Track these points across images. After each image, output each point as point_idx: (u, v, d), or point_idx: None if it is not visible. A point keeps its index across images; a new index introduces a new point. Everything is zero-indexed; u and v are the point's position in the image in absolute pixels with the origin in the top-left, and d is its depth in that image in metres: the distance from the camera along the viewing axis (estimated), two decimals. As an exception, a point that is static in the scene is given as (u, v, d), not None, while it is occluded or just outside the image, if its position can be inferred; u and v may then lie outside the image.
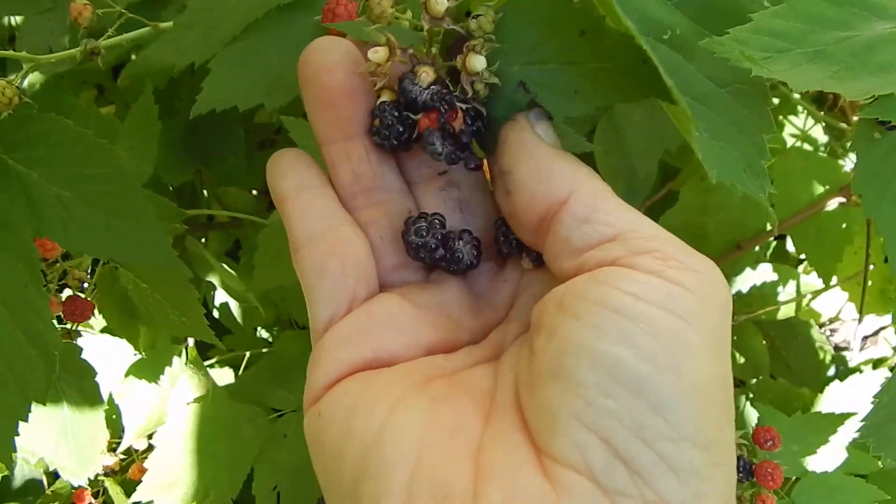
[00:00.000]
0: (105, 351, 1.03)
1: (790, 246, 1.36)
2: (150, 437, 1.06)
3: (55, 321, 0.74)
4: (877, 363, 1.38)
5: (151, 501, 0.94)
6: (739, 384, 1.28)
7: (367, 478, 0.32)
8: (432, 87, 0.38)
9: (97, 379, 0.87)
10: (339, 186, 0.41)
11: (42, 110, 0.55)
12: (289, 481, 0.97)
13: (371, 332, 0.38)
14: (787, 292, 1.33)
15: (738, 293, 1.30)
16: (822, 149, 1.18)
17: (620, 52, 0.37)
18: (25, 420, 0.53)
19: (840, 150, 1.10)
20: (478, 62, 0.38)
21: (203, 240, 1.29)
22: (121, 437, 1.07)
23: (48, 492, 1.13)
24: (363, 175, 0.41)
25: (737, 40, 0.42)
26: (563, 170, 0.36)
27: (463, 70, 0.38)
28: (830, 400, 1.04)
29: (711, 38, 0.41)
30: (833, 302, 1.45)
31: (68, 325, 0.76)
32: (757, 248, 1.30)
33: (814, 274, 1.14)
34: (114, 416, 1.08)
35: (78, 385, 0.77)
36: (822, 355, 1.31)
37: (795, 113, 1.24)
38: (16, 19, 0.98)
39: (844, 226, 1.06)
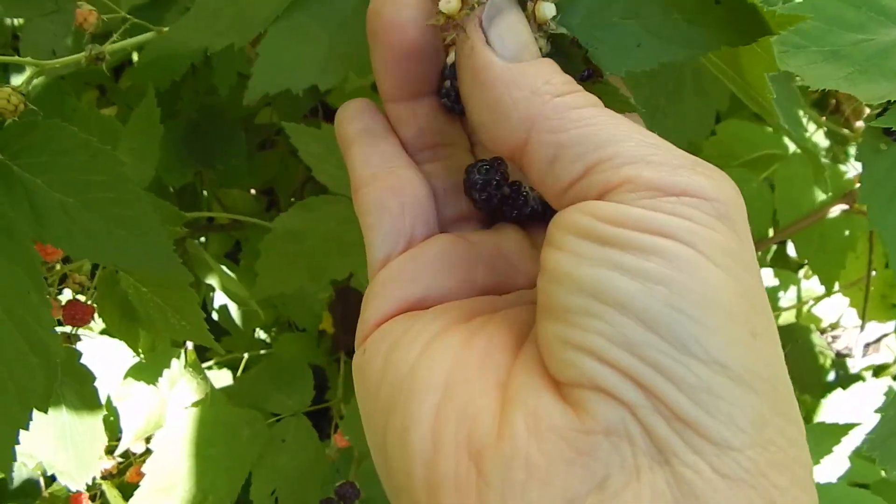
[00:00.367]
0: (104, 353, 1.03)
1: (791, 251, 1.36)
2: (147, 440, 1.06)
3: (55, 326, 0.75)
4: (878, 370, 1.38)
5: (149, 506, 0.94)
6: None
7: (397, 408, 0.32)
8: None
9: (96, 383, 0.87)
10: (404, 141, 0.41)
11: (45, 114, 0.54)
12: (287, 486, 0.96)
13: (424, 269, 0.37)
14: (787, 297, 1.33)
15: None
16: (824, 154, 1.18)
17: None
18: (26, 428, 0.53)
19: (842, 156, 1.10)
20: (548, 9, 0.36)
21: (203, 240, 1.29)
22: (118, 440, 1.07)
23: (45, 494, 1.12)
24: (428, 132, 0.40)
25: None
26: (517, 104, 0.33)
27: (532, 19, 0.37)
28: (832, 408, 1.04)
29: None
30: (834, 308, 1.45)
31: (68, 329, 0.76)
32: (758, 253, 1.30)
33: (814, 279, 1.15)
34: (112, 419, 1.08)
35: (77, 390, 0.77)
36: (822, 360, 1.31)
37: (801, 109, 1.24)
38: (18, 21, 0.98)
39: (847, 233, 1.05)
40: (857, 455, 0.90)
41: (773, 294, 1.32)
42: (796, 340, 1.30)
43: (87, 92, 1.18)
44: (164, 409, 1.06)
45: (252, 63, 0.51)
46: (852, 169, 1.06)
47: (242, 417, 0.99)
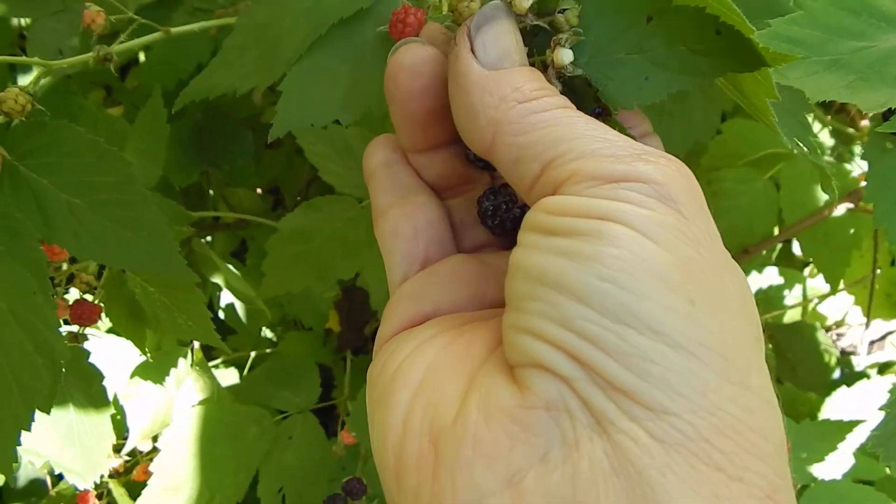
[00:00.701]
0: (111, 351, 1.03)
1: (796, 249, 1.36)
2: (154, 438, 1.06)
3: (62, 324, 0.75)
4: (883, 368, 1.38)
5: (157, 505, 0.94)
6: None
7: (380, 406, 0.34)
8: None
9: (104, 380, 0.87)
10: (427, 182, 0.42)
11: (53, 114, 0.55)
12: (294, 484, 0.97)
13: (436, 286, 0.39)
14: (792, 296, 1.33)
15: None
16: (830, 153, 1.18)
17: (691, 30, 0.37)
18: (28, 429, 0.53)
19: (847, 155, 1.10)
20: (566, 55, 0.38)
21: (209, 238, 1.30)
22: (125, 438, 1.07)
23: (52, 493, 1.13)
24: (448, 177, 0.42)
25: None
26: (484, 110, 0.35)
27: (551, 64, 0.38)
28: (837, 405, 1.04)
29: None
30: (839, 306, 1.45)
31: (75, 329, 0.76)
32: (763, 252, 1.30)
33: (820, 277, 1.14)
34: (118, 417, 1.08)
35: (85, 389, 0.77)
36: (827, 358, 1.31)
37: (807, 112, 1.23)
38: (25, 21, 0.98)
39: (852, 231, 1.06)
40: (861, 452, 0.90)
41: (777, 292, 1.32)
42: (801, 338, 1.30)
43: (93, 91, 1.18)
44: (170, 408, 1.07)
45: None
46: (857, 168, 1.06)
47: (249, 415, 0.99)
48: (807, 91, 0.43)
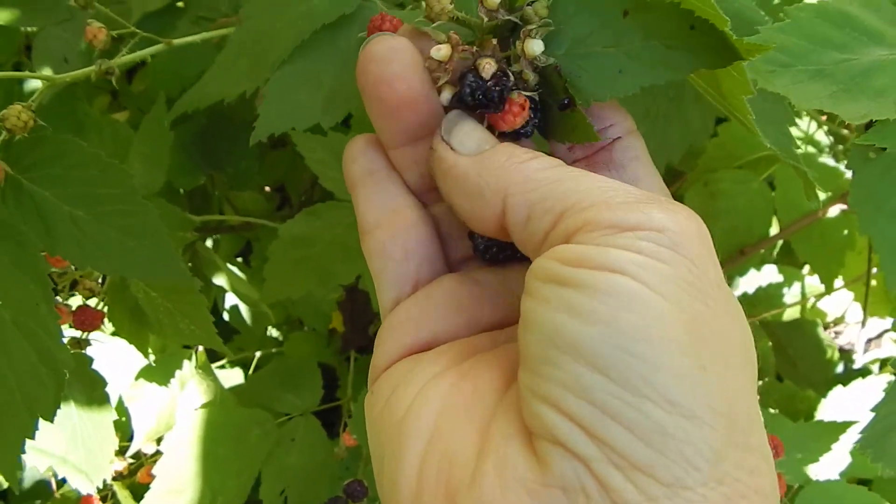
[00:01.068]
0: (115, 354, 1.04)
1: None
2: (158, 441, 1.07)
3: (67, 328, 0.76)
4: (882, 364, 1.38)
5: (160, 507, 0.95)
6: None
7: (389, 451, 0.34)
8: (498, 78, 0.38)
9: (107, 379, 0.88)
10: (409, 183, 0.42)
11: (57, 121, 0.56)
12: (297, 485, 0.98)
13: (431, 313, 0.39)
14: (792, 293, 1.33)
15: (744, 294, 1.30)
16: (827, 151, 1.18)
17: (665, 25, 0.37)
18: (32, 437, 0.54)
19: (841, 155, 1.11)
20: (536, 46, 0.38)
21: (215, 239, 1.31)
22: (130, 441, 1.08)
23: (56, 495, 1.13)
24: (430, 175, 0.41)
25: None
26: (487, 181, 0.35)
27: (522, 55, 0.39)
28: (834, 405, 1.04)
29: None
30: (838, 302, 1.46)
31: (79, 335, 0.77)
32: (761, 251, 1.30)
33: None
34: (123, 420, 1.09)
35: (88, 394, 0.78)
36: (829, 353, 1.31)
37: (799, 116, 1.25)
38: (32, 28, 0.99)
39: (846, 232, 1.06)
40: (857, 451, 0.91)
41: (777, 290, 1.32)
42: (802, 334, 1.31)
43: (98, 96, 1.19)
44: (174, 410, 1.08)
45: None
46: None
47: (252, 418, 1.00)
48: (792, 99, 0.43)
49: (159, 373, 1.06)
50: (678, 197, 1.09)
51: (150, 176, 0.86)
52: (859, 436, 0.60)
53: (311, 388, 1.05)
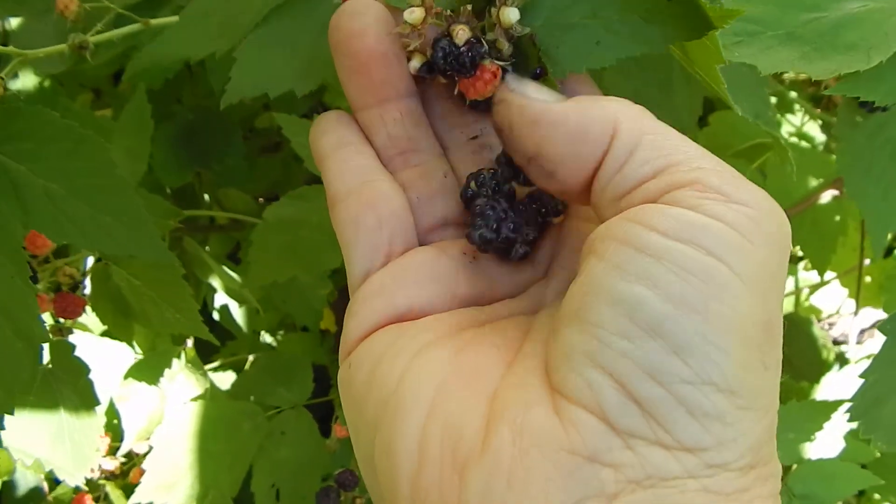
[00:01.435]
0: (105, 354, 1.03)
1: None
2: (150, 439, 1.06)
3: (49, 318, 0.75)
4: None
5: (151, 503, 0.94)
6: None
7: (383, 423, 0.32)
8: (471, 44, 0.38)
9: (97, 380, 0.87)
10: (376, 148, 0.41)
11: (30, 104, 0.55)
12: (288, 479, 0.97)
13: (405, 282, 0.38)
14: (786, 288, 1.33)
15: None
16: (821, 146, 1.18)
17: None
18: (10, 413, 0.53)
19: (834, 147, 1.11)
20: (512, 14, 0.38)
21: (206, 246, 1.30)
22: (122, 441, 1.07)
23: (49, 498, 1.13)
24: (398, 138, 0.41)
25: None
26: (595, 117, 0.33)
27: (497, 23, 0.38)
28: (828, 389, 1.04)
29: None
30: (833, 298, 1.45)
31: (60, 323, 0.76)
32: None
33: (814, 270, 1.15)
34: (115, 421, 1.08)
35: (72, 383, 0.77)
36: (825, 354, 1.30)
37: (793, 111, 1.25)
38: (11, 23, 0.98)
39: (838, 218, 1.06)
40: (851, 435, 0.90)
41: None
42: (798, 332, 1.30)
43: (82, 94, 1.19)
44: (165, 408, 1.07)
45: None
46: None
47: (242, 411, 0.99)
48: (759, 66, 0.43)
49: (148, 371, 1.05)
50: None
51: (131, 168, 0.86)
52: (848, 404, 0.58)
53: (302, 381, 1.04)
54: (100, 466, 1.05)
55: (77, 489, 1.03)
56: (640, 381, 0.28)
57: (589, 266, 0.31)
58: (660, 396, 0.28)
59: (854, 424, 0.59)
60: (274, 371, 1.07)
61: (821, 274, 1.10)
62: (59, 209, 0.55)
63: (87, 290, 0.81)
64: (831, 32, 0.45)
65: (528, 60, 0.40)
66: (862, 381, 0.57)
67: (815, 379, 1.14)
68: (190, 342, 1.11)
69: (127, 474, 1.12)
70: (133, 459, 1.12)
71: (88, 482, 1.03)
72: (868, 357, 1.37)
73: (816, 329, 1.31)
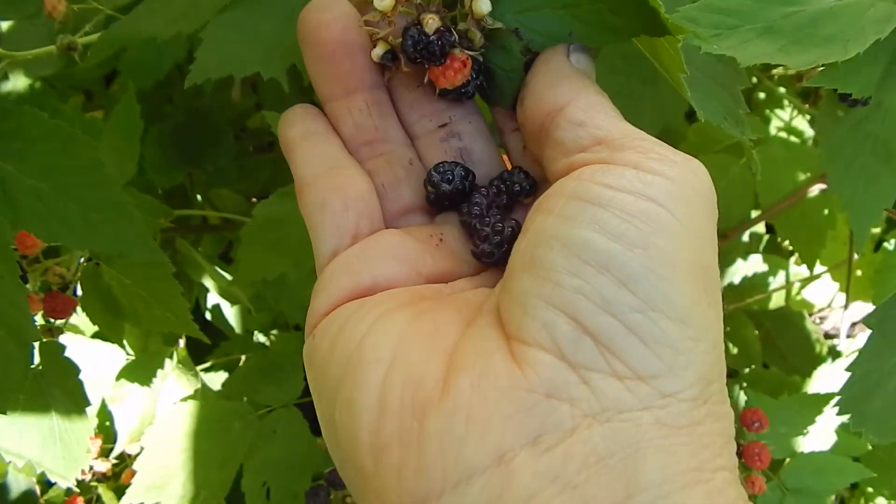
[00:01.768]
0: (97, 356, 1.03)
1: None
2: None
3: (40, 318, 0.75)
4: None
5: (142, 504, 0.94)
6: (732, 374, 1.28)
7: (345, 381, 0.33)
8: (441, 33, 0.39)
9: (89, 381, 0.87)
10: (343, 139, 0.43)
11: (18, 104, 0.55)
12: (279, 477, 0.96)
13: (371, 260, 0.39)
14: (777, 282, 1.34)
15: (730, 284, 1.30)
16: (810, 141, 1.19)
17: None
18: (4, 413, 0.53)
19: (819, 136, 1.11)
20: (484, 5, 0.38)
21: (199, 246, 1.30)
22: (114, 443, 1.07)
23: (41, 500, 1.12)
24: (365, 128, 0.42)
25: (687, 18, 0.44)
26: (571, 80, 0.38)
27: (470, 14, 0.39)
28: (819, 383, 1.04)
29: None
30: (825, 292, 1.45)
31: (50, 323, 0.76)
32: (746, 237, 1.30)
33: (805, 265, 1.15)
34: (107, 423, 1.08)
35: (62, 384, 0.77)
36: (818, 348, 1.31)
37: (781, 106, 1.25)
38: (2, 26, 0.98)
39: (826, 212, 1.07)
40: (843, 429, 0.90)
41: (762, 279, 1.32)
42: (790, 326, 1.30)
43: (73, 97, 1.19)
44: (156, 408, 1.07)
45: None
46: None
47: (233, 410, 0.99)
48: (739, 58, 0.43)
49: (140, 372, 1.05)
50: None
51: (120, 167, 0.86)
52: (837, 398, 0.58)
53: (293, 379, 1.03)
54: (91, 468, 1.05)
55: (69, 491, 1.03)
56: (593, 313, 0.30)
57: (537, 222, 0.34)
58: (612, 326, 0.30)
59: (845, 418, 0.59)
60: (265, 370, 1.07)
61: (810, 268, 1.10)
62: (48, 208, 0.55)
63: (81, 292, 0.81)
64: (809, 25, 0.46)
65: (509, 52, 0.40)
66: (849, 374, 0.57)
67: (808, 373, 1.14)
68: (182, 342, 1.11)
69: (119, 476, 1.11)
70: (125, 461, 1.11)
71: (80, 484, 1.03)
72: (858, 351, 1.38)
73: (808, 323, 1.32)
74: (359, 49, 0.40)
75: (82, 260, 0.80)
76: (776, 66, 1.24)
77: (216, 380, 1.21)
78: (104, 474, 1.08)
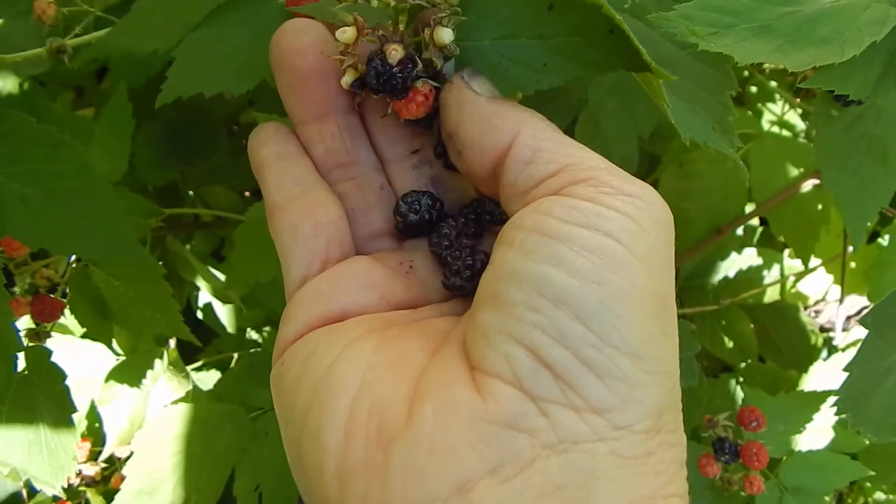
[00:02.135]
0: (87, 356, 1.02)
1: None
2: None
3: (28, 321, 0.74)
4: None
5: (131, 509, 0.92)
6: (728, 369, 1.29)
7: (313, 408, 0.34)
8: (404, 64, 0.38)
9: (79, 383, 0.86)
10: (315, 162, 0.43)
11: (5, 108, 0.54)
12: (271, 480, 0.95)
13: (340, 288, 0.39)
14: (772, 276, 1.34)
15: (725, 278, 1.30)
16: (802, 135, 1.19)
17: (587, 24, 0.38)
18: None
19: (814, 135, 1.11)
20: (445, 35, 0.38)
21: (191, 243, 1.29)
22: (103, 446, 1.06)
23: (28, 505, 1.11)
24: (336, 152, 0.43)
25: (683, 16, 0.43)
26: (503, 118, 0.37)
27: (431, 43, 0.39)
28: (815, 379, 1.04)
29: (659, 13, 0.42)
30: (820, 285, 1.45)
31: (37, 327, 0.75)
32: (741, 231, 1.30)
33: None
34: (96, 425, 1.06)
35: (48, 390, 0.75)
36: (813, 339, 1.31)
37: (773, 101, 1.25)
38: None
39: (820, 206, 1.07)
40: (841, 425, 0.90)
41: (757, 273, 1.32)
42: (786, 320, 1.30)
43: (63, 94, 1.18)
44: (147, 410, 1.06)
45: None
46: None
47: (224, 413, 0.98)
48: (736, 56, 0.43)
49: (130, 373, 1.04)
50: (654, 179, 1.08)
51: (111, 166, 0.84)
52: (835, 397, 0.58)
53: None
54: (80, 472, 1.04)
55: (55, 498, 1.01)
56: (550, 347, 0.31)
57: (499, 254, 0.34)
58: (568, 360, 0.30)
59: (842, 416, 0.59)
60: (257, 371, 1.06)
61: (805, 263, 1.11)
62: (35, 213, 0.54)
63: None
64: (806, 26, 0.46)
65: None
66: (847, 374, 0.57)
67: (804, 367, 1.14)
68: (172, 342, 1.10)
69: (109, 480, 1.10)
70: (115, 464, 1.10)
71: (69, 488, 1.02)
72: (854, 344, 1.38)
73: (803, 316, 1.32)
74: (332, 74, 0.40)
75: (72, 261, 0.79)
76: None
77: (208, 379, 1.21)
78: (93, 478, 1.06)
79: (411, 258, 0.42)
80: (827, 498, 0.84)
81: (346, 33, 0.38)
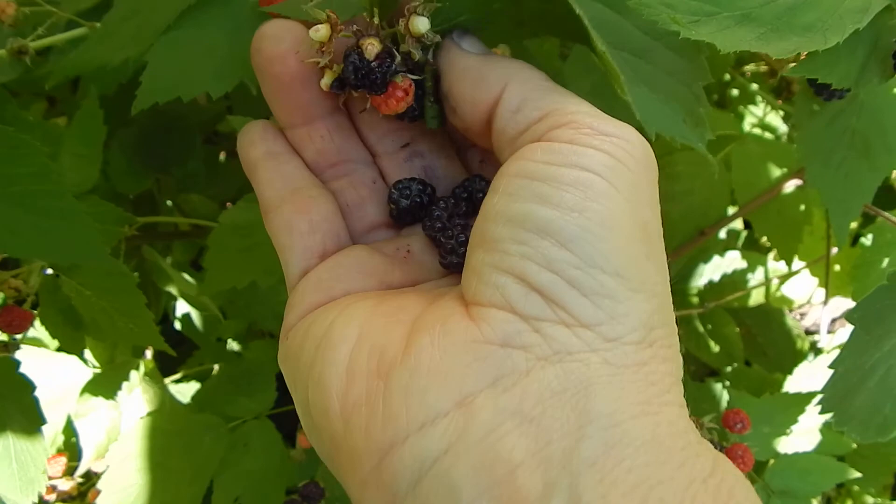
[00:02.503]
0: (61, 370, 0.99)
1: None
2: (108, 457, 1.02)
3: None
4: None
5: (107, 526, 0.90)
6: (714, 373, 1.28)
7: (316, 362, 0.36)
8: (382, 59, 0.38)
9: (53, 397, 0.84)
10: (307, 162, 0.44)
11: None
12: (252, 491, 0.94)
13: (339, 276, 0.40)
14: (756, 279, 1.34)
15: (710, 282, 1.30)
16: (784, 138, 1.19)
17: None
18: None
19: (796, 136, 1.11)
20: (421, 23, 0.38)
21: (170, 253, 1.27)
22: (79, 461, 1.04)
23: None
24: (328, 153, 0.44)
25: (664, 3, 0.43)
26: (493, 70, 0.39)
27: (407, 33, 0.38)
28: (800, 381, 1.03)
29: (640, 0, 0.42)
30: (805, 288, 1.45)
31: (9, 339, 0.73)
32: (724, 233, 1.30)
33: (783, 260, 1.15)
34: (72, 439, 1.04)
35: (17, 401, 0.72)
36: (799, 343, 1.31)
37: (755, 103, 1.25)
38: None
39: (803, 207, 1.07)
40: (827, 427, 0.89)
41: (741, 276, 1.32)
42: (771, 323, 1.30)
43: (35, 103, 1.16)
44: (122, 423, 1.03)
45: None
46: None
47: (202, 424, 0.96)
48: (718, 45, 0.43)
49: (105, 385, 1.01)
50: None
51: (82, 174, 0.83)
52: (820, 396, 0.57)
53: (265, 390, 1.01)
54: (55, 488, 1.01)
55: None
56: (537, 272, 0.33)
57: (486, 202, 0.36)
58: (555, 282, 0.33)
59: (827, 416, 0.58)
60: (236, 380, 1.04)
61: (788, 264, 1.10)
62: (-4, 217, 0.52)
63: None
64: (788, 14, 0.46)
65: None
66: (831, 371, 0.57)
67: (790, 369, 1.14)
68: (149, 353, 1.08)
69: (85, 495, 1.08)
70: (92, 479, 1.08)
71: (44, 505, 0.99)
72: (839, 347, 1.38)
73: (789, 319, 1.32)
74: (315, 77, 0.41)
75: (49, 271, 0.77)
76: (749, 62, 1.25)
77: (188, 391, 1.19)
78: (69, 493, 1.04)
79: (408, 243, 0.44)
80: (814, 501, 0.84)
81: (320, 31, 0.38)
